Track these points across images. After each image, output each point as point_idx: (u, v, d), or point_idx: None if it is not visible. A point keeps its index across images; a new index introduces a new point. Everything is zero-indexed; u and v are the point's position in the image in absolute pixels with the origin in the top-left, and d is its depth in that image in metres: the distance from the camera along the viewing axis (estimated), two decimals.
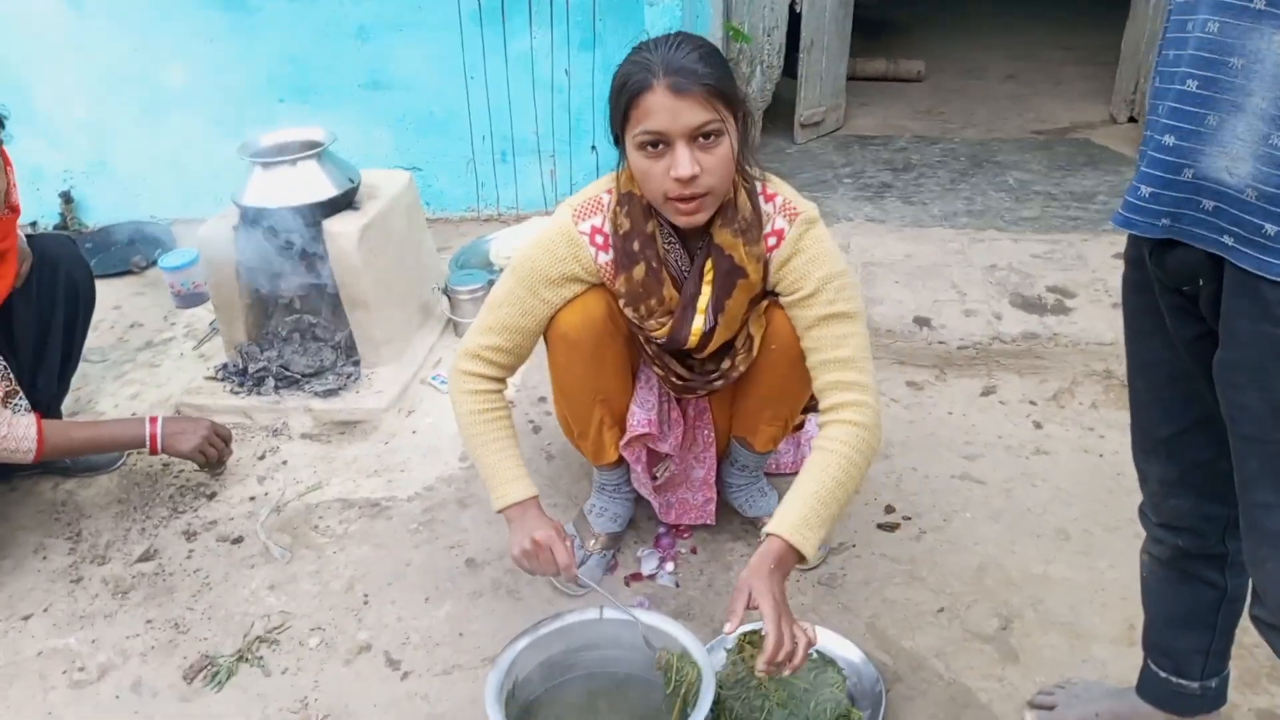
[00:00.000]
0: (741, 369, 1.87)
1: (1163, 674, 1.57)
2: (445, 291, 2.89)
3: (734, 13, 3.70)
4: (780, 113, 4.34)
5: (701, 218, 1.66)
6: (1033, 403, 2.56)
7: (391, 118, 3.58)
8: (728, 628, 1.57)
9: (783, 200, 1.76)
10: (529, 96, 3.51)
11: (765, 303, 1.83)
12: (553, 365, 1.91)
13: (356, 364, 2.68)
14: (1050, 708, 1.70)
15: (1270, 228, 1.05)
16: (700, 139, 1.56)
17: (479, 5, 3.35)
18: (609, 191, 1.78)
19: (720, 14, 3.61)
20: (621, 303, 1.79)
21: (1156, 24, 3.91)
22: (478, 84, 3.49)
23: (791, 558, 1.63)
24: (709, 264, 1.75)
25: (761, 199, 1.75)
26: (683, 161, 1.56)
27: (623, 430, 1.96)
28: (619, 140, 1.66)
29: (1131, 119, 4.30)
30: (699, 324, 1.78)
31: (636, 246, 1.74)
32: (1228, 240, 1.09)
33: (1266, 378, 1.13)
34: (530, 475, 1.83)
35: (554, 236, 1.78)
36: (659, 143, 1.57)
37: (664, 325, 1.79)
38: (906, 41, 5.77)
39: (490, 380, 1.83)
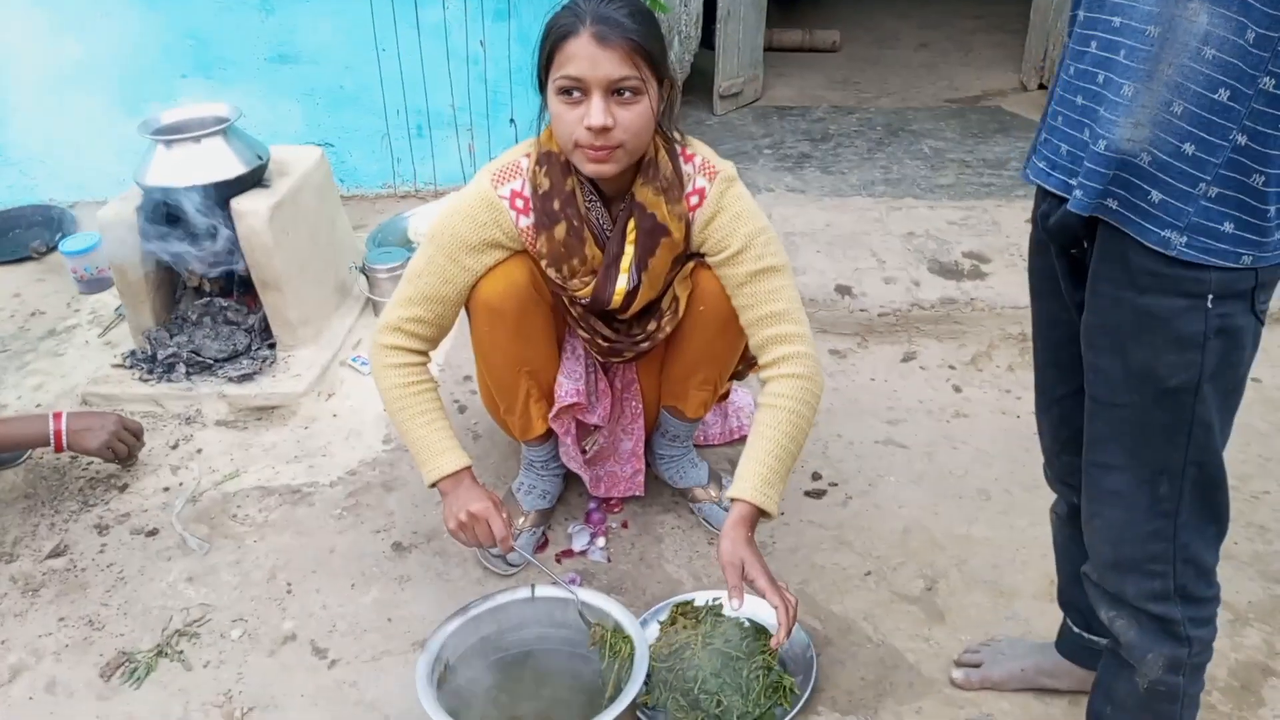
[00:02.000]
0: (668, 330, 1.87)
1: (1075, 629, 1.62)
2: (363, 270, 2.82)
3: None
4: (699, 84, 4.33)
5: (609, 169, 1.64)
6: (952, 367, 2.61)
7: (300, 92, 3.47)
8: (735, 604, 1.62)
9: (701, 160, 1.76)
10: (444, 69, 3.43)
11: (691, 264, 1.82)
12: (476, 337, 1.88)
13: (272, 347, 2.60)
14: (976, 665, 1.74)
15: (1156, 194, 1.08)
16: (618, 94, 1.57)
17: None
18: (528, 155, 1.76)
19: None
20: (544, 264, 1.77)
21: None
22: (390, 56, 3.40)
23: (756, 518, 1.67)
24: (631, 223, 1.74)
25: (681, 160, 1.75)
26: (596, 111, 1.56)
27: (550, 403, 1.94)
28: (542, 87, 1.64)
29: (1041, 85, 4.39)
30: (623, 283, 1.77)
31: (557, 205, 1.72)
32: (1111, 204, 1.12)
33: (1122, 342, 1.17)
34: (461, 446, 1.79)
35: (473, 202, 1.75)
36: (576, 89, 1.57)
37: (587, 285, 1.78)
38: (822, 12, 5.79)
39: (413, 354, 1.80)
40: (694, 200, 1.75)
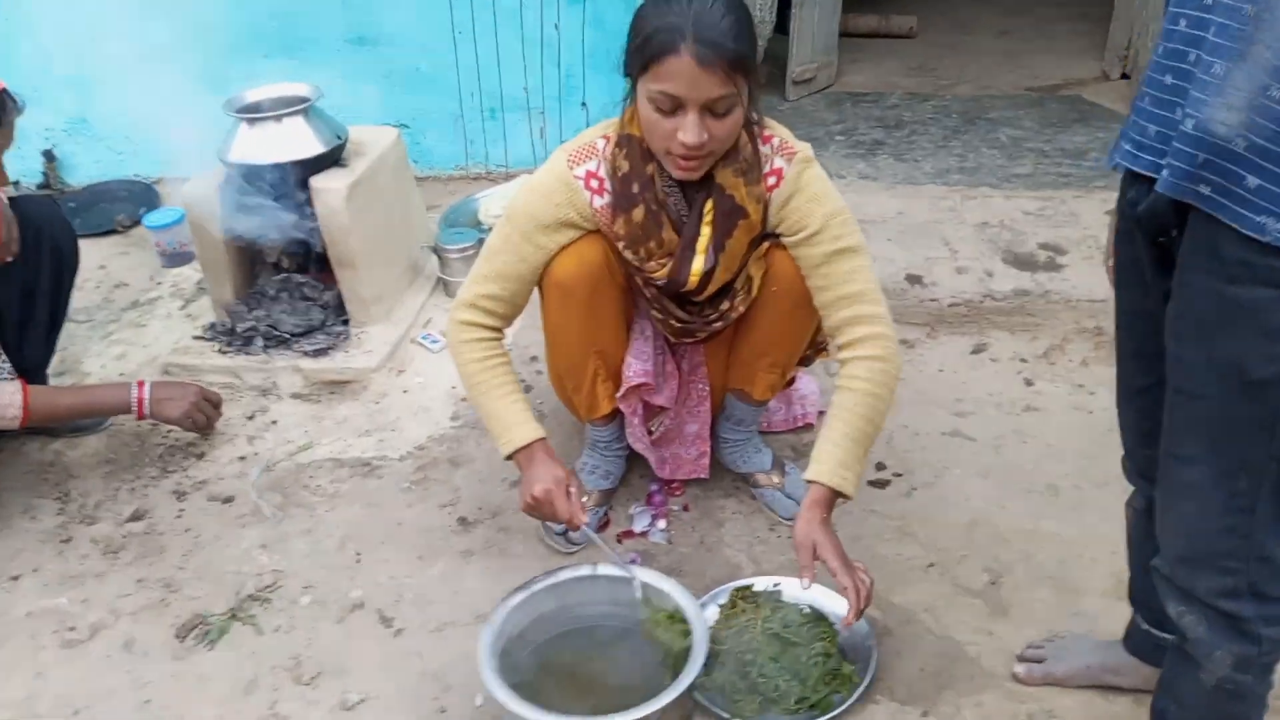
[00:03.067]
0: (741, 310, 1.86)
1: (1144, 626, 1.59)
2: (435, 250, 2.86)
3: None
4: (772, 69, 4.29)
5: (697, 175, 1.67)
6: (1023, 360, 2.56)
7: (378, 74, 3.52)
8: (805, 583, 1.66)
9: (780, 141, 1.76)
10: (518, 52, 3.45)
11: (766, 244, 1.82)
12: (546, 315, 1.89)
13: (346, 323, 2.66)
14: (1040, 660, 1.71)
15: (1252, 180, 1.04)
16: (713, 110, 1.57)
17: None
18: (605, 137, 1.77)
19: None
20: (621, 245, 1.77)
21: None
22: (465, 39, 3.44)
23: (832, 500, 1.68)
24: (709, 204, 1.74)
25: (760, 141, 1.74)
26: (693, 130, 1.56)
27: (617, 384, 1.95)
28: (629, 74, 1.64)
29: (1124, 75, 4.26)
30: (699, 264, 1.77)
31: (636, 189, 1.72)
32: (1204, 189, 1.08)
33: (1209, 333, 1.14)
34: (536, 420, 1.82)
35: (549, 181, 1.77)
36: (673, 105, 1.57)
37: (664, 266, 1.78)
38: None
39: (488, 329, 1.83)
40: (771, 181, 1.75)
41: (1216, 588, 1.22)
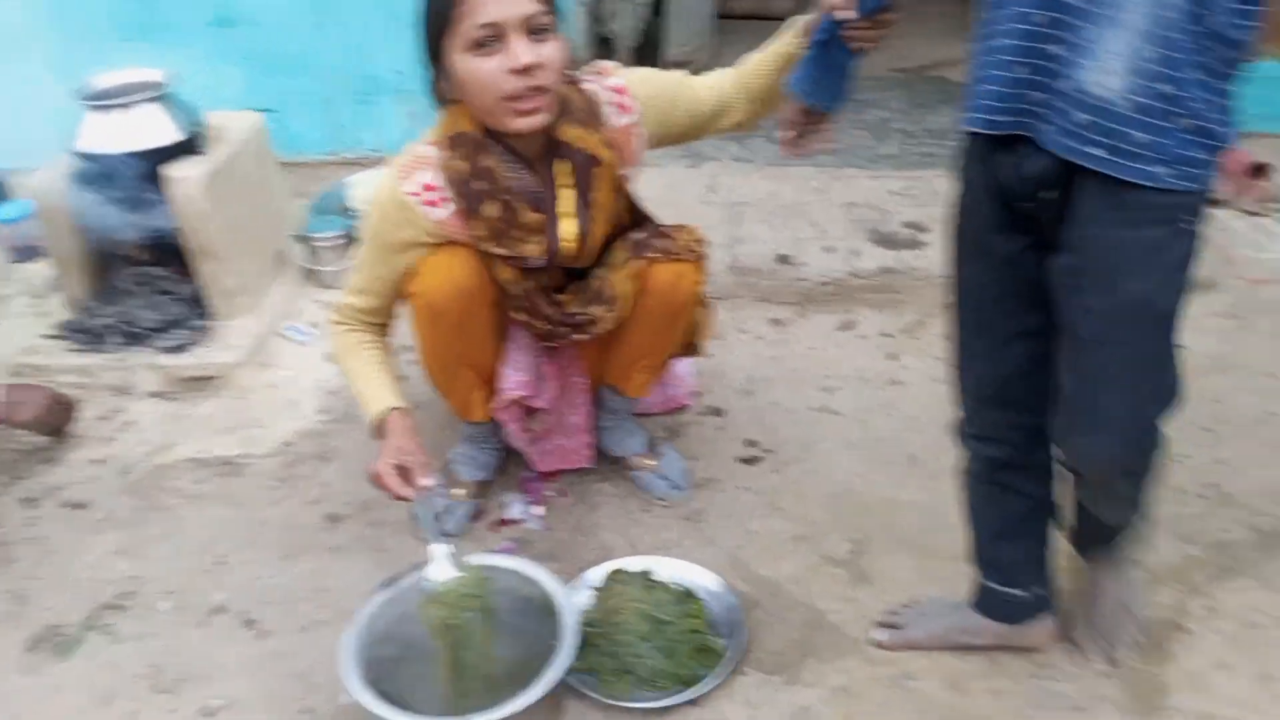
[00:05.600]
0: (609, 326, 1.86)
1: (992, 585, 1.67)
2: (301, 239, 2.79)
3: None
4: (648, 53, 4.29)
5: (540, 119, 1.62)
6: (889, 335, 2.64)
7: (242, 56, 3.39)
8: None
9: (591, 70, 1.78)
10: (390, 33, 3.38)
11: (639, 263, 1.82)
12: (415, 329, 1.85)
13: (208, 317, 2.57)
14: (898, 626, 1.78)
15: (1139, 135, 1.16)
16: (533, 33, 1.55)
17: None
18: (433, 143, 1.72)
19: None
20: (484, 245, 1.73)
21: None
22: (334, 20, 3.35)
23: None
24: (560, 166, 1.72)
25: (583, 83, 1.76)
26: (521, 50, 1.53)
27: (492, 390, 1.93)
28: (436, 57, 1.61)
29: None
30: (571, 228, 1.75)
31: (481, 185, 1.68)
32: (1098, 152, 1.19)
33: (1116, 279, 1.26)
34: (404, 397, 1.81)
35: (384, 203, 1.73)
36: (491, 39, 1.53)
37: (540, 244, 1.74)
38: None
39: (364, 329, 1.84)
40: (623, 102, 1.76)
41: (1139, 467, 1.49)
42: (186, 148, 2.47)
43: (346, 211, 3.03)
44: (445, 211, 1.72)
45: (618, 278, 1.83)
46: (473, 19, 1.52)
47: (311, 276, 2.81)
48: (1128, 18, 1.12)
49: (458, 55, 1.56)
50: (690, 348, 2.09)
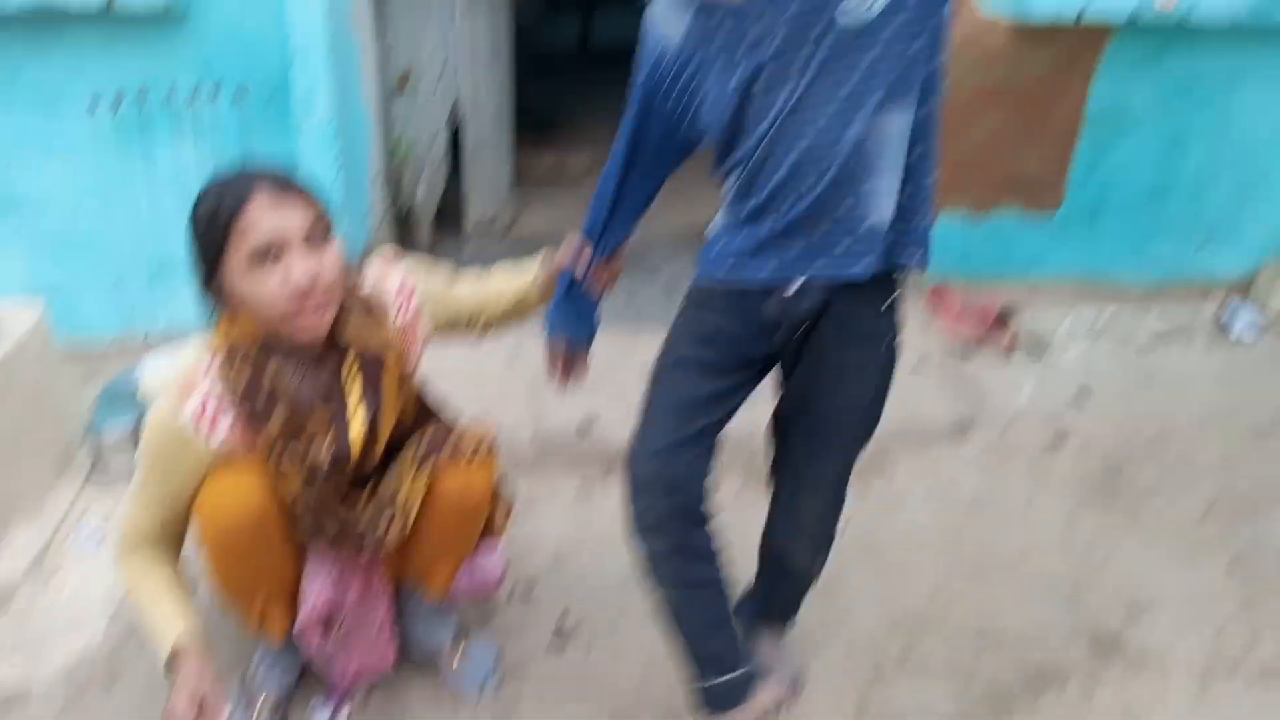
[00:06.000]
0: (395, 538, 1.85)
1: (717, 680, 1.83)
2: (88, 435, 2.69)
3: (394, 126, 3.75)
4: (449, 215, 4.42)
5: (328, 318, 1.65)
6: None
7: (25, 240, 3.29)
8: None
9: (372, 266, 1.87)
10: (179, 213, 3.35)
11: (426, 466, 1.85)
12: (203, 549, 1.77)
13: None
14: None
15: (914, 251, 1.64)
16: (309, 241, 1.58)
17: (117, 120, 3.18)
18: (203, 359, 1.69)
19: (380, 126, 3.65)
20: (273, 454, 1.71)
21: None
22: (123, 200, 3.29)
23: None
24: (345, 367, 1.74)
25: (362, 279, 1.83)
26: (302, 258, 1.57)
27: (291, 603, 1.90)
28: (209, 281, 1.62)
29: None
30: (358, 423, 1.75)
31: (265, 394, 1.67)
32: (879, 265, 1.59)
33: (869, 374, 1.72)
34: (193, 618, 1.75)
35: (159, 434, 1.68)
36: (270, 254, 1.55)
37: (328, 444, 1.73)
38: (575, 136, 6.05)
39: (152, 548, 1.79)
40: (405, 299, 1.85)
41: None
42: None
43: (139, 400, 2.95)
44: (225, 427, 1.68)
45: (406, 485, 1.84)
46: (250, 239, 1.54)
47: (99, 473, 2.70)
48: (883, 163, 1.57)
49: (239, 274, 1.57)
50: (491, 526, 2.10)
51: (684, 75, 1.63)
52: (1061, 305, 3.83)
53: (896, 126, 1.52)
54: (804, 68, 1.50)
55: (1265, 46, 3.59)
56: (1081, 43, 3.54)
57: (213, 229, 1.56)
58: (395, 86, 3.66)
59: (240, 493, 1.71)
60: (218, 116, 3.25)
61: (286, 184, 1.58)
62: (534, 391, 3.15)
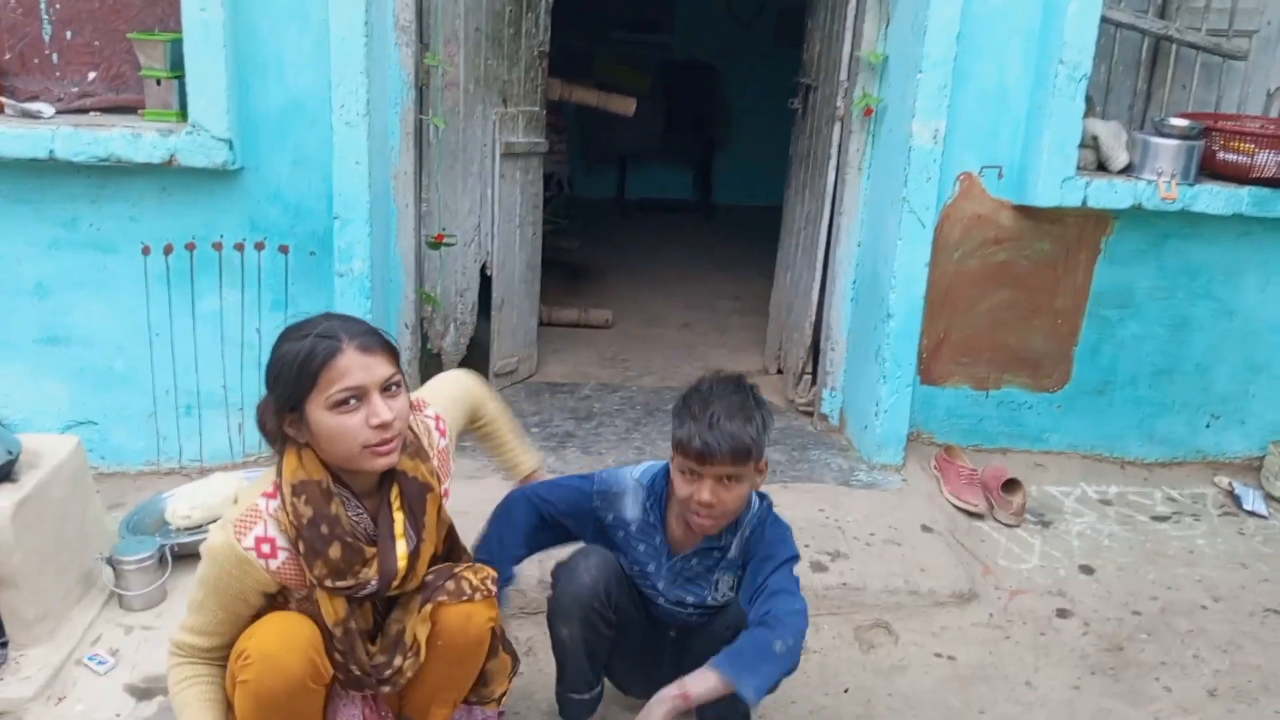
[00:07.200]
0: (409, 673, 1.95)
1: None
2: (110, 561, 2.77)
3: (426, 279, 3.96)
4: (475, 358, 4.58)
5: (395, 458, 1.84)
6: None
7: (68, 373, 3.46)
8: None
9: (415, 401, 2.05)
10: (217, 353, 3.53)
11: (429, 606, 1.94)
12: (235, 700, 1.88)
13: (3, 645, 2.49)
14: None
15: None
16: (386, 390, 1.80)
17: (166, 266, 3.40)
18: (266, 494, 1.86)
19: (413, 279, 3.86)
20: (326, 582, 1.83)
21: (794, 295, 4.56)
22: (162, 340, 3.47)
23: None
24: (394, 493, 1.90)
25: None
26: (381, 409, 1.77)
27: None
28: (289, 413, 1.80)
29: (779, 370, 4.87)
30: (402, 548, 1.90)
31: (325, 529, 1.82)
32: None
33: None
34: None
35: (221, 560, 1.83)
36: (354, 398, 1.76)
37: (374, 568, 1.87)
38: (600, 288, 6.30)
39: (204, 663, 1.92)
40: (440, 428, 2.06)
41: None
42: None
43: (164, 527, 3.05)
44: (278, 561, 1.84)
45: (412, 622, 1.94)
46: (338, 385, 1.76)
47: (118, 599, 2.77)
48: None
49: (321, 413, 1.77)
50: (487, 695, 2.17)
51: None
52: (1070, 476, 3.89)
53: None
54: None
55: (1268, 235, 3.77)
56: (1086, 225, 3.73)
57: (304, 372, 1.77)
58: (429, 244, 3.89)
59: (283, 656, 1.82)
60: (260, 266, 3.47)
61: (373, 336, 1.82)
62: None
